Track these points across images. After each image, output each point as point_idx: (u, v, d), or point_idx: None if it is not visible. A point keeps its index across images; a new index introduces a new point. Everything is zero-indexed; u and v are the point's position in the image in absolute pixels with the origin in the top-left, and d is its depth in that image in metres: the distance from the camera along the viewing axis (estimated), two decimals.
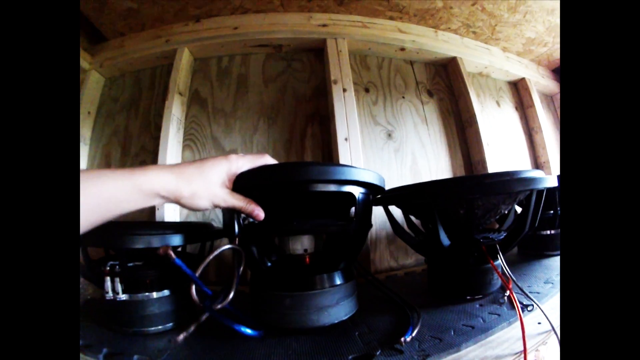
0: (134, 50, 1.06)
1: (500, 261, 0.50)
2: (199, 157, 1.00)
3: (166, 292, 0.53)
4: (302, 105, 1.01)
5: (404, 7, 1.06)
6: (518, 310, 0.43)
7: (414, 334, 0.42)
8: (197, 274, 0.41)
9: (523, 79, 1.28)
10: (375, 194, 0.53)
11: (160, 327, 0.52)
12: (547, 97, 1.45)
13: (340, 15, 1.06)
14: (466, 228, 0.51)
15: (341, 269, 0.49)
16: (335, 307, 0.47)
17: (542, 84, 1.35)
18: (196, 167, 0.42)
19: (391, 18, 1.11)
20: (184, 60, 1.01)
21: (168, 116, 0.96)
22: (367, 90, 1.05)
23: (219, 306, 0.41)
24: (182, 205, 0.41)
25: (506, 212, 0.56)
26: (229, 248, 0.44)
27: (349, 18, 1.06)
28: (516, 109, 1.28)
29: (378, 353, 0.39)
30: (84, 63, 1.06)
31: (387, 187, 0.57)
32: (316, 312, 0.45)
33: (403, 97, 1.08)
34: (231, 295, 0.42)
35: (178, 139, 0.98)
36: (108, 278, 0.49)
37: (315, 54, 1.08)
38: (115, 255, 0.53)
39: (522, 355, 0.38)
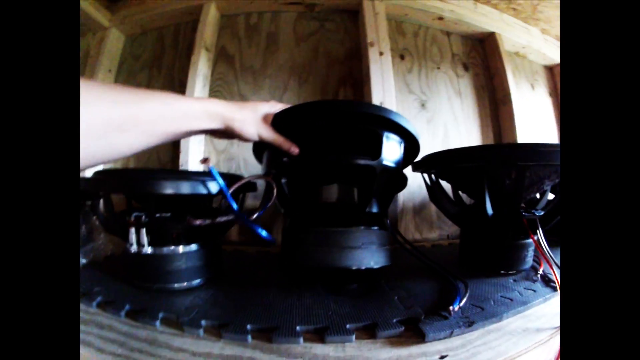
0: (155, 6, 0.98)
1: (539, 237, 0.47)
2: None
3: (194, 247, 0.48)
4: (334, 67, 0.94)
5: None
6: (558, 283, 0.43)
7: (462, 304, 0.38)
8: (229, 191, 0.42)
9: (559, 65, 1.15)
10: (409, 146, 0.52)
11: (185, 283, 0.47)
12: None
13: None
14: (512, 199, 0.47)
15: (369, 214, 0.46)
16: (361, 251, 0.43)
17: None
18: (244, 103, 0.45)
19: None
20: (211, 16, 0.93)
21: (194, 72, 0.88)
22: (402, 57, 0.97)
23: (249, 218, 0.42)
24: (232, 132, 0.42)
25: (546, 189, 0.52)
26: (261, 176, 0.46)
27: None
28: (550, 94, 1.18)
29: (422, 318, 0.36)
30: (103, 20, 1.00)
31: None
32: (339, 252, 0.42)
33: (438, 68, 1.00)
34: (257, 214, 0.43)
35: (204, 95, 0.90)
36: (133, 229, 0.43)
37: (349, 15, 0.98)
38: (139, 207, 0.49)
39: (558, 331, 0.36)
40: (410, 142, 0.51)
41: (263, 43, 0.96)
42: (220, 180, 0.42)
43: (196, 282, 0.48)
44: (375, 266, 0.43)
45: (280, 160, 0.46)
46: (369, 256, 0.43)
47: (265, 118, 0.44)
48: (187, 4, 0.95)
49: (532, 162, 0.43)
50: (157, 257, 0.45)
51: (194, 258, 0.47)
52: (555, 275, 0.44)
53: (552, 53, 1.14)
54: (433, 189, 0.59)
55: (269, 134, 0.44)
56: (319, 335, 0.34)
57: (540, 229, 0.47)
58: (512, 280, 0.49)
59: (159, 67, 1.00)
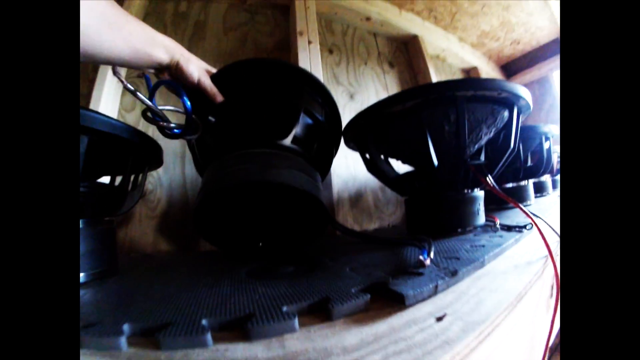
0: None
1: (490, 180, 0.45)
2: (139, 102, 0.75)
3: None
4: (262, 56, 0.89)
5: None
6: (532, 219, 0.40)
7: (431, 255, 0.31)
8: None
9: (475, 68, 1.29)
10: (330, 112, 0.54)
11: None
12: None
13: None
14: (456, 145, 0.43)
15: (292, 147, 0.45)
16: (286, 170, 0.39)
17: (491, 75, 1.38)
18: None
19: None
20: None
21: None
22: (330, 52, 0.96)
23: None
24: (176, 68, 0.41)
25: (483, 142, 0.50)
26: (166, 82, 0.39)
27: None
28: None
29: (389, 280, 0.26)
30: None
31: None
32: (262, 168, 0.39)
33: (365, 64, 1.01)
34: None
35: (115, 82, 0.77)
36: None
37: (280, 10, 0.95)
38: None
39: (549, 258, 0.32)
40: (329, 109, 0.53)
41: (189, 31, 0.87)
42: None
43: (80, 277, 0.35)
44: (305, 188, 0.38)
45: (206, 117, 0.44)
46: (296, 177, 0.39)
47: (207, 69, 0.45)
48: None
49: (468, 92, 0.41)
50: None
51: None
52: (521, 207, 0.42)
53: (468, 58, 1.23)
54: (368, 157, 0.55)
55: (207, 80, 0.44)
56: (239, 330, 0.21)
57: (490, 175, 0.46)
58: (472, 235, 0.45)
59: None
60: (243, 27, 0.90)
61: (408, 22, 1.05)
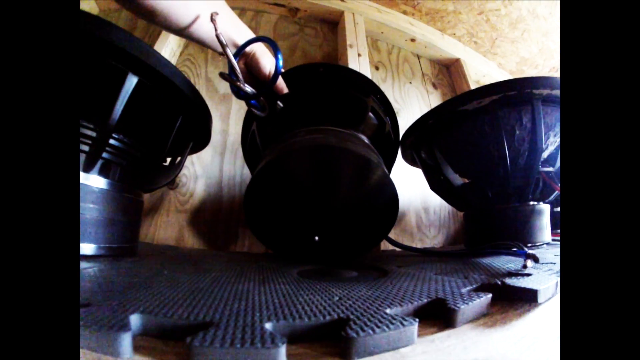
0: None
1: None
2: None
3: (98, 180, 0.27)
4: None
5: (417, 4, 0.95)
6: None
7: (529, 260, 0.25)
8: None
9: None
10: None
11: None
12: None
13: None
14: (530, 147, 0.39)
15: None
16: (361, 147, 0.33)
17: None
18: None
19: (404, 12, 0.98)
20: None
21: (162, 42, 0.73)
22: (377, 68, 0.94)
23: None
24: (252, 59, 0.38)
25: (547, 150, 0.44)
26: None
27: (366, 2, 0.93)
28: None
29: (503, 280, 0.20)
30: None
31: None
32: (338, 137, 0.33)
33: (410, 83, 0.97)
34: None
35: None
36: None
37: (329, 26, 0.93)
38: None
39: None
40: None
41: None
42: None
43: (85, 248, 0.25)
44: (380, 165, 0.33)
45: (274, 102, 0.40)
46: (371, 154, 0.34)
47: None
48: None
49: (546, 89, 0.37)
50: None
51: (92, 202, 0.26)
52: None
53: None
54: (429, 164, 0.50)
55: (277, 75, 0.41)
56: (329, 341, 0.12)
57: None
58: (544, 250, 0.38)
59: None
60: (293, 37, 0.88)
61: (450, 46, 1.03)
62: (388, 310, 0.14)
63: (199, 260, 0.34)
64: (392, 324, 0.12)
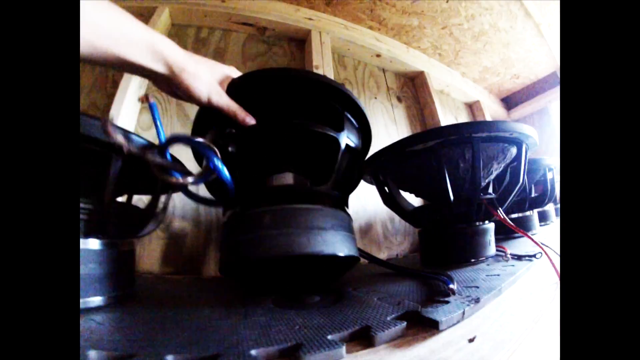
0: None
1: (501, 213, 0.49)
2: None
3: (94, 244, 0.32)
4: None
5: (383, 19, 1.04)
6: (542, 249, 0.43)
7: (455, 285, 0.32)
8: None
9: (478, 101, 1.35)
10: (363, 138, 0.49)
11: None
12: None
13: (325, 15, 1.00)
14: (471, 180, 0.46)
15: (331, 195, 0.39)
16: (331, 233, 0.33)
17: (493, 108, 1.45)
18: (201, 57, 0.37)
19: (370, 27, 1.07)
20: (162, 21, 0.84)
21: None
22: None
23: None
24: (179, 84, 0.32)
25: (492, 176, 0.53)
26: (205, 139, 0.31)
27: (333, 19, 1.00)
28: None
29: (419, 308, 0.27)
30: None
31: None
32: (306, 233, 0.32)
33: (375, 98, 1.05)
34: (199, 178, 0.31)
35: (137, 98, 0.78)
36: None
37: (297, 44, 0.99)
38: None
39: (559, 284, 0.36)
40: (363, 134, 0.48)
41: (209, 57, 0.83)
42: (160, 125, 0.32)
43: (95, 300, 0.31)
44: (349, 253, 0.35)
45: (225, 130, 0.36)
46: (340, 241, 0.34)
47: (222, 81, 0.36)
48: (141, 4, 0.84)
49: (484, 133, 0.44)
50: None
51: (94, 261, 0.31)
52: (530, 237, 0.46)
53: (470, 92, 1.29)
54: (385, 190, 0.56)
55: (222, 99, 0.35)
56: (289, 357, 0.21)
57: (500, 208, 0.49)
58: (485, 265, 0.47)
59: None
60: (261, 57, 0.93)
61: (415, 59, 1.12)
62: (329, 337, 0.22)
63: (187, 294, 0.42)
64: (329, 347, 0.20)
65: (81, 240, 0.30)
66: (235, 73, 0.39)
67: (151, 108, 0.33)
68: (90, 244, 0.31)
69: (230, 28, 0.92)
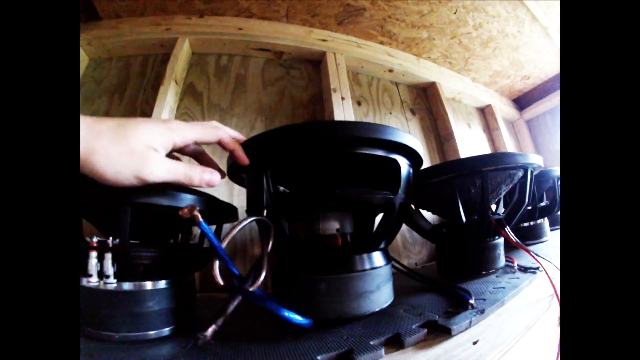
0: (128, 33, 0.92)
1: (508, 231, 0.55)
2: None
3: (164, 284, 0.36)
4: (299, 110, 0.99)
5: (394, 35, 1.11)
6: (540, 264, 0.51)
7: (473, 300, 0.40)
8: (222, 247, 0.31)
9: (489, 106, 1.40)
10: (415, 165, 0.46)
11: (154, 332, 0.35)
12: (508, 122, 1.60)
13: (338, 34, 1.07)
14: (481, 204, 0.53)
15: (381, 249, 0.41)
16: (377, 293, 0.38)
17: (505, 110, 1.49)
18: (117, 122, 0.27)
19: (382, 43, 1.14)
20: (184, 51, 0.92)
21: (161, 102, 0.82)
22: (359, 104, 1.07)
23: (251, 288, 0.31)
24: (94, 176, 0.26)
25: (502, 196, 0.61)
26: (256, 219, 0.35)
27: (346, 38, 1.08)
28: (484, 130, 1.39)
29: (436, 318, 0.36)
30: None
31: None
32: (356, 299, 0.36)
33: (390, 113, 1.11)
34: (263, 275, 0.32)
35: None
36: (94, 254, 0.32)
37: (313, 65, 1.07)
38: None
39: (554, 296, 0.42)
40: (417, 158, 0.43)
41: (232, 83, 0.98)
42: (214, 240, 0.31)
43: (166, 330, 0.36)
44: (385, 305, 0.39)
45: (273, 191, 0.36)
46: (383, 295, 0.39)
47: (152, 147, 0.28)
48: (162, 36, 0.93)
49: (492, 167, 0.50)
50: (123, 295, 0.33)
51: (166, 298, 0.36)
52: (530, 253, 0.54)
53: (482, 97, 1.35)
54: (407, 215, 0.63)
55: (159, 170, 0.28)
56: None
57: (507, 226, 0.56)
58: (495, 277, 0.54)
59: (121, 95, 0.93)
60: (280, 82, 1.01)
61: (426, 70, 1.18)
62: (371, 342, 0.30)
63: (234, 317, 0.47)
64: (372, 350, 0.29)
65: (157, 282, 0.35)
66: (181, 126, 0.31)
67: (202, 228, 0.30)
68: (163, 284, 0.35)
69: (249, 54, 1.00)
